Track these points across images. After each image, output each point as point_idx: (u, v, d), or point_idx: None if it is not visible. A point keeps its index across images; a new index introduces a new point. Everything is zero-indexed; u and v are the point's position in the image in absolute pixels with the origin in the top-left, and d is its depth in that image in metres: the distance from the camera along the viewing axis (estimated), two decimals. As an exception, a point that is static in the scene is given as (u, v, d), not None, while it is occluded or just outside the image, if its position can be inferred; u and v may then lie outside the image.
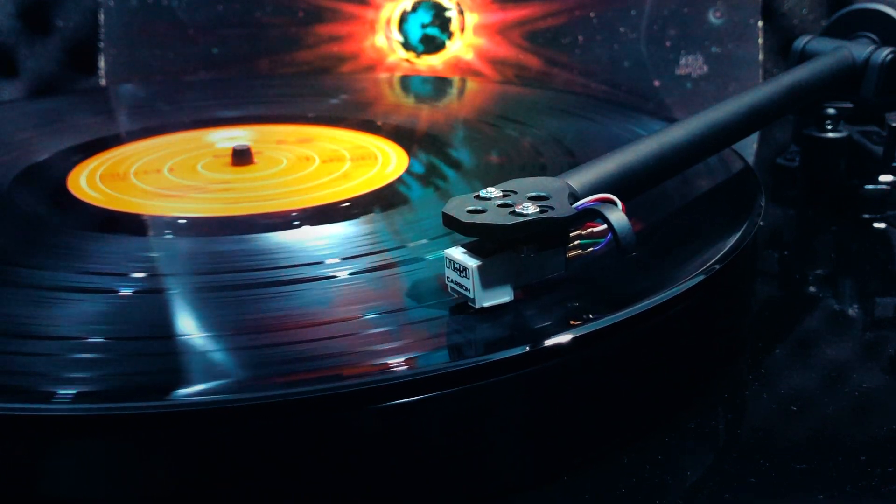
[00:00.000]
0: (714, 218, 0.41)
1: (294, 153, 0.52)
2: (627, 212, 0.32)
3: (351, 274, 0.35)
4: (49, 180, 0.49)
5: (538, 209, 0.31)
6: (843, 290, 0.45)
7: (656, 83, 0.74)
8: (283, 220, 0.42)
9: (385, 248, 0.38)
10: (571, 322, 0.30)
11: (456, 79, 0.75)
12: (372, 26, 0.76)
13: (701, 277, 0.34)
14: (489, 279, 0.31)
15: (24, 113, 0.65)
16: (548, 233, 0.31)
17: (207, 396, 0.27)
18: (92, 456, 0.27)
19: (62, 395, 0.27)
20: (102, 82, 0.76)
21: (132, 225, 0.43)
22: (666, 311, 0.32)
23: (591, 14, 0.74)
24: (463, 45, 0.76)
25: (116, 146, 0.55)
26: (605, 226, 0.31)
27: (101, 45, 0.76)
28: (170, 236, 0.42)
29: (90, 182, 0.48)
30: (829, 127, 0.53)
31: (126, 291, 0.35)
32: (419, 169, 0.50)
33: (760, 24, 0.73)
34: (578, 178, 0.35)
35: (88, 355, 0.30)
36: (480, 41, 0.76)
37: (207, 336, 0.31)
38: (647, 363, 0.33)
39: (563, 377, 0.30)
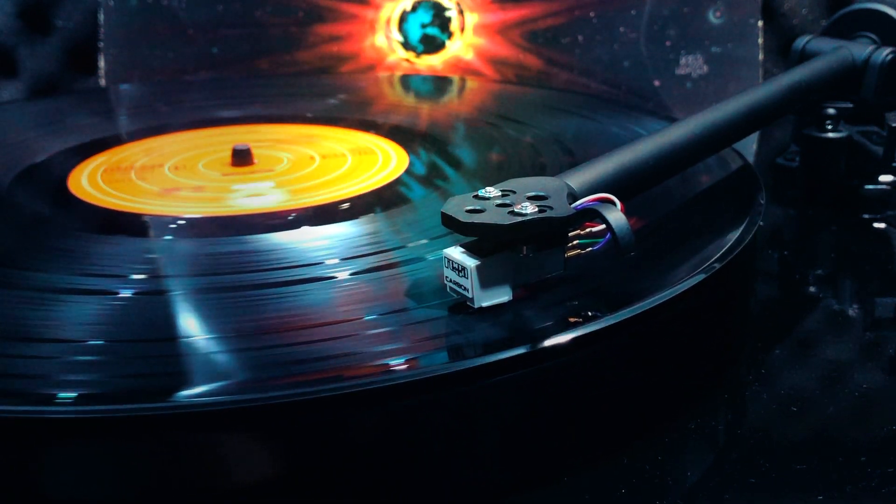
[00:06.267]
0: (714, 217, 0.41)
1: (294, 153, 0.52)
2: (627, 211, 0.32)
3: (351, 274, 0.35)
4: (49, 180, 0.49)
5: (537, 209, 0.31)
6: (843, 290, 0.45)
7: (656, 83, 0.74)
8: (284, 221, 0.42)
9: (385, 248, 0.38)
10: (571, 322, 0.30)
11: (456, 79, 0.75)
12: (372, 26, 0.76)
13: (701, 277, 0.34)
14: (488, 279, 0.31)
15: (24, 113, 0.65)
16: (547, 232, 0.31)
17: (208, 398, 0.27)
18: (93, 458, 0.27)
19: (63, 397, 0.27)
20: (102, 82, 0.76)
21: (133, 226, 0.43)
22: (665, 310, 0.32)
23: (591, 14, 0.74)
24: (463, 44, 0.76)
25: (117, 146, 0.55)
26: (603, 225, 0.31)
27: (101, 45, 0.76)
28: (170, 237, 0.42)
29: (91, 182, 0.48)
30: (829, 127, 0.53)
31: (126, 293, 0.35)
32: (419, 169, 0.50)
33: (760, 24, 0.73)
34: (577, 178, 0.35)
35: (89, 357, 0.30)
36: (480, 41, 0.76)
37: (208, 338, 0.31)
38: (646, 363, 0.33)
39: (563, 377, 0.30)
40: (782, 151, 0.59)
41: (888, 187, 0.52)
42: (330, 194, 0.45)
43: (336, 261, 0.37)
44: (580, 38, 0.74)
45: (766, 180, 0.56)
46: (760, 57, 0.73)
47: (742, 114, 0.42)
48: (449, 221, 0.31)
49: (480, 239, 0.31)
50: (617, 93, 0.74)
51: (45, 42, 0.78)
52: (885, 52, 0.51)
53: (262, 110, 0.62)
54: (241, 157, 0.51)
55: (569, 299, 0.32)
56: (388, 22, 0.76)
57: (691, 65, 0.73)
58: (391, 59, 0.76)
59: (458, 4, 0.75)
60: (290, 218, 0.42)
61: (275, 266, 0.37)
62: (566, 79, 0.75)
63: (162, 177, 0.49)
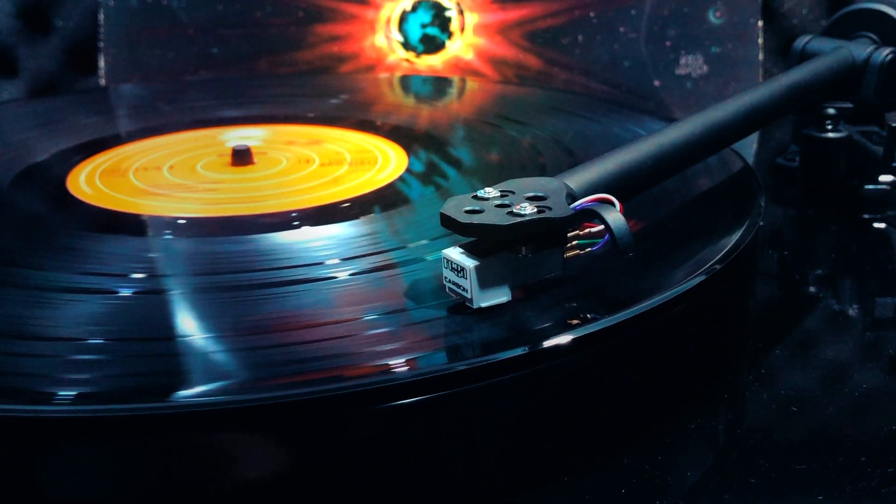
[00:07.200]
0: (714, 218, 0.41)
1: (294, 153, 0.52)
2: (626, 212, 0.32)
3: (351, 275, 0.35)
4: (49, 180, 0.49)
5: (536, 209, 0.31)
6: (843, 290, 0.45)
7: (656, 83, 0.74)
8: (283, 221, 0.42)
9: (385, 248, 0.38)
10: (570, 323, 0.30)
11: (456, 79, 0.74)
12: (372, 26, 0.76)
13: (701, 278, 0.33)
14: (487, 279, 0.31)
15: (24, 113, 0.65)
16: (545, 233, 0.31)
17: (208, 397, 0.27)
18: (92, 457, 0.27)
19: (62, 396, 0.27)
20: (102, 82, 0.76)
21: (132, 225, 0.43)
22: (665, 312, 0.32)
23: (591, 14, 0.74)
24: (463, 44, 0.76)
25: (116, 146, 0.55)
26: (602, 226, 0.31)
27: (101, 45, 0.76)
28: (169, 236, 0.42)
29: (90, 182, 0.48)
30: (829, 127, 0.53)
31: (126, 292, 0.35)
32: (419, 169, 0.50)
33: (760, 24, 0.73)
34: (577, 178, 0.35)
35: (88, 356, 0.30)
36: (480, 41, 0.76)
37: (208, 337, 0.31)
38: (646, 364, 0.33)
39: (563, 378, 0.30)
40: (782, 151, 0.59)
41: (888, 187, 0.52)
42: (330, 195, 0.45)
43: (336, 261, 0.37)
44: (580, 38, 0.74)
45: (766, 180, 0.57)
46: (760, 57, 0.73)
47: (742, 114, 0.42)
48: (448, 222, 0.31)
49: (479, 239, 0.31)
50: (617, 93, 0.74)
51: (45, 42, 0.78)
52: (885, 52, 0.51)
53: (261, 110, 0.62)
54: (241, 157, 0.51)
55: (568, 300, 0.32)
56: (388, 22, 0.76)
57: (691, 65, 0.73)
58: (391, 59, 0.76)
59: (458, 4, 0.75)
60: (289, 218, 0.42)
61: (275, 266, 0.37)
62: (566, 79, 0.75)
63: (160, 177, 0.49)
